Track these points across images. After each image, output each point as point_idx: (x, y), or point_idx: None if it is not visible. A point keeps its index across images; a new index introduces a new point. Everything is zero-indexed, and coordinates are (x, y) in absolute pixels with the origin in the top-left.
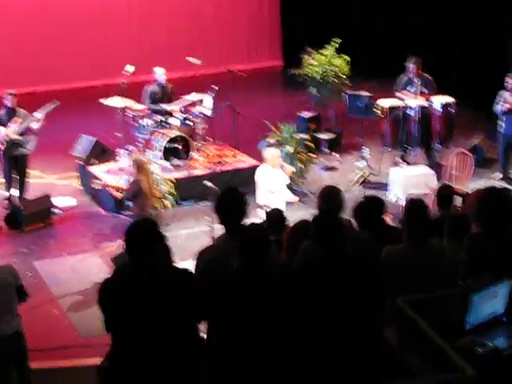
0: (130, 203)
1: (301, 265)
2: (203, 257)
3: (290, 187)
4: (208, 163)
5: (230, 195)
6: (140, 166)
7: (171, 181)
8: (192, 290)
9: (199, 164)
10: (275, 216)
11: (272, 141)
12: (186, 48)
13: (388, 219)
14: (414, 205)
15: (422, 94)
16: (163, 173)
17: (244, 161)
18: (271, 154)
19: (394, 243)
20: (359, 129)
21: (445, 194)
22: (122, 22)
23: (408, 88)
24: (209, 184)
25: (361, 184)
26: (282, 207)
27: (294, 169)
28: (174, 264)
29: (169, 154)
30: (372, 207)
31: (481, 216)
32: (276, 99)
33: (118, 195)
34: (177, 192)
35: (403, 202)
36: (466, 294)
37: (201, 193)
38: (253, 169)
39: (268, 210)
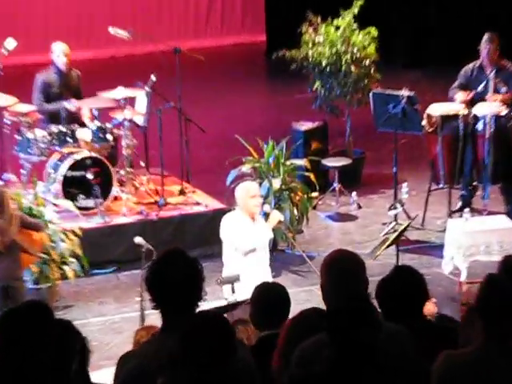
0: None
1: (304, 376)
2: (126, 366)
3: (274, 248)
4: (138, 205)
5: (174, 263)
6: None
7: (75, 234)
8: None
9: (124, 206)
10: (269, 295)
11: (247, 169)
12: (123, 17)
13: (431, 307)
14: (496, 284)
15: (497, 94)
16: (62, 220)
17: (200, 202)
18: (245, 191)
19: (439, 347)
20: (392, 151)
21: None
22: None
23: (477, 86)
24: (139, 241)
25: (393, 245)
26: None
27: (282, 217)
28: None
29: (72, 187)
30: (406, 286)
31: None
32: (256, 98)
33: None
34: (85, 254)
35: (465, 274)
36: None
37: (125, 255)
38: (215, 216)
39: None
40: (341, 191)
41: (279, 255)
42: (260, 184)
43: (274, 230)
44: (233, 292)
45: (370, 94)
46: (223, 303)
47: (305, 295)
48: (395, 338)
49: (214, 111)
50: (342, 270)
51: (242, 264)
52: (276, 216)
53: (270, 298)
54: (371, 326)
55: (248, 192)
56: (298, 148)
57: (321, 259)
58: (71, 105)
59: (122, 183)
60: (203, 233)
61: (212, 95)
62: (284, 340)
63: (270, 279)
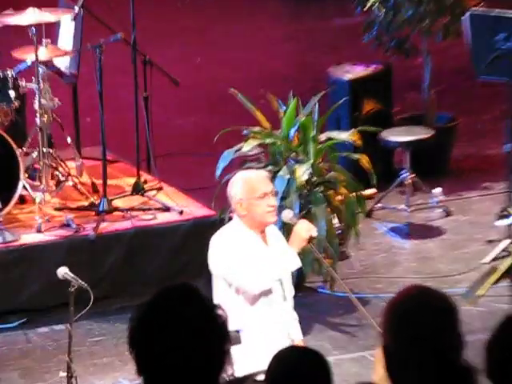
0: None
1: None
2: None
3: (301, 286)
4: (63, 212)
5: (181, 311)
6: None
7: None
8: None
9: (38, 214)
10: (294, 368)
11: (251, 149)
12: None
13: None
14: None
15: None
16: None
17: (170, 206)
18: (249, 187)
19: None
20: (504, 116)
21: None
22: None
23: None
24: (64, 274)
25: (504, 278)
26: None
27: (314, 231)
28: None
29: None
30: None
31: None
32: (268, 25)
33: None
34: None
35: None
36: None
37: (40, 298)
38: (195, 230)
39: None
40: (415, 186)
41: (309, 297)
42: (274, 174)
43: (299, 253)
44: (228, 364)
45: (466, 17)
46: None
47: (353, 366)
48: None
49: (195, 49)
50: (421, 322)
51: (246, 314)
52: (303, 230)
53: (296, 374)
54: None
55: (253, 189)
56: (340, 111)
57: (381, 305)
58: None
59: (33, 175)
60: (176, 259)
61: (193, 22)
62: None
63: (295, 340)
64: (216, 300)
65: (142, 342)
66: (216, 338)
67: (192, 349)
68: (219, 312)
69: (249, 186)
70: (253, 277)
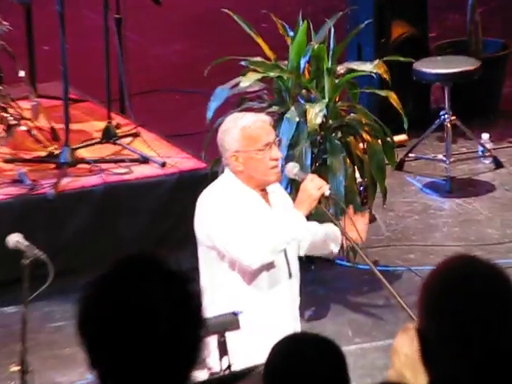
0: None
1: None
2: None
3: (313, 258)
4: (14, 164)
5: (145, 285)
6: None
7: None
8: None
9: None
10: (303, 359)
11: (250, 84)
12: None
13: None
14: None
15: None
16: None
17: (149, 156)
18: (247, 135)
19: None
20: None
21: None
22: None
23: None
24: (16, 242)
25: None
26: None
27: (327, 187)
28: None
29: None
30: None
31: None
32: None
33: None
34: None
35: None
36: None
37: None
38: (180, 187)
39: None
40: (456, 130)
41: (324, 271)
42: (280, 117)
43: (309, 216)
44: (223, 354)
45: None
46: (204, 377)
47: (380, 356)
48: None
49: None
50: (467, 301)
51: (244, 293)
52: (313, 187)
53: (305, 366)
54: None
55: (252, 138)
56: (361, 37)
57: (414, 280)
58: None
59: None
60: (156, 224)
61: None
62: None
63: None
64: (204, 275)
65: (92, 328)
66: (187, 322)
67: (156, 336)
68: (191, 288)
69: (246, 135)
70: (252, 247)
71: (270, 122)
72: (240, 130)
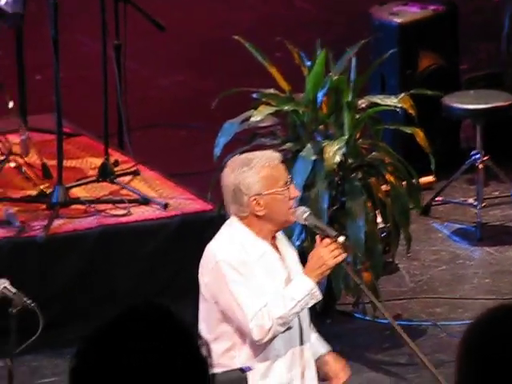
0: None
1: None
2: None
3: (329, 310)
4: (2, 204)
5: (146, 346)
6: None
7: None
8: None
9: None
10: None
11: (262, 118)
12: None
13: None
14: None
15: None
16: None
17: (150, 197)
18: (267, 173)
19: None
20: None
21: None
22: None
23: None
24: (4, 290)
25: None
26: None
27: (342, 238)
28: None
29: None
30: None
31: None
32: None
33: None
34: None
35: None
36: None
37: None
38: (183, 231)
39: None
40: (488, 172)
41: (341, 325)
42: (294, 155)
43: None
44: None
45: None
46: None
47: None
48: None
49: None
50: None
51: (249, 351)
52: (331, 255)
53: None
54: None
55: (273, 177)
56: (386, 68)
57: (440, 336)
58: None
59: None
60: (157, 271)
61: None
62: None
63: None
64: (207, 326)
65: None
66: (195, 382)
67: None
68: (200, 345)
69: (266, 175)
70: (262, 320)
71: (279, 158)
72: (257, 170)
